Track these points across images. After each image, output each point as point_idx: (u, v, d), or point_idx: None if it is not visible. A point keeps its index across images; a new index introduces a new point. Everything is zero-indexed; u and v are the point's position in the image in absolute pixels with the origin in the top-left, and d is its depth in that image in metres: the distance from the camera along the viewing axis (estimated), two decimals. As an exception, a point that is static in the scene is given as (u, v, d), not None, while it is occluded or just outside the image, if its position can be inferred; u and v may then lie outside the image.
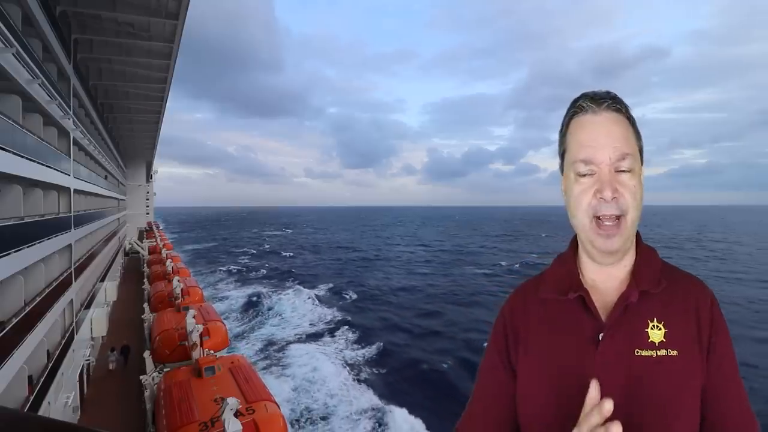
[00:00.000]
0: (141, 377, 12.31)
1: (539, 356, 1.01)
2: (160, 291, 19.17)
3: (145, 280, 25.95)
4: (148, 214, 56.56)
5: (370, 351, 23.88)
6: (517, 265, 51.87)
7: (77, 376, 13.89)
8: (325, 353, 23.10)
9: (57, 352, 11.75)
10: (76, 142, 16.47)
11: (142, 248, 38.46)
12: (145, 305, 19.95)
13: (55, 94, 12.46)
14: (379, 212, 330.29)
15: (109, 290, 23.21)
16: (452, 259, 59.85)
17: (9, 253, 8.23)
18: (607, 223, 0.93)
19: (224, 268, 50.67)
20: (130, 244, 44.85)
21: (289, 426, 9.78)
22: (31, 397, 9.41)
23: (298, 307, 32.90)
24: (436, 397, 18.38)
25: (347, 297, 36.89)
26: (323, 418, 16.55)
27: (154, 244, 34.95)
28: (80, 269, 15.55)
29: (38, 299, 10.28)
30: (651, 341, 0.91)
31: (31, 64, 9.94)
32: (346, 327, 27.96)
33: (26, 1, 10.16)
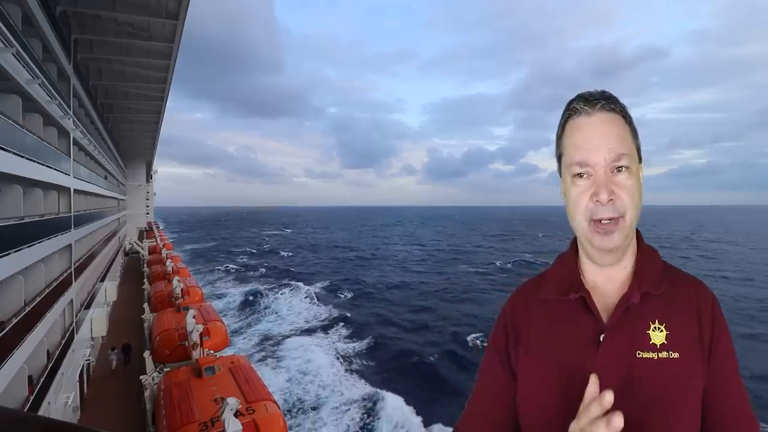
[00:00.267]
0: (141, 377, 12.30)
1: (540, 356, 1.01)
2: (160, 291, 19.18)
3: (145, 280, 25.94)
4: (148, 214, 56.54)
5: (362, 344, 24.84)
6: (510, 264, 52.51)
7: (77, 376, 13.88)
8: (320, 346, 23.89)
9: (57, 352, 11.73)
10: (76, 142, 16.46)
11: (142, 248, 38.45)
12: (145, 305, 19.95)
13: (55, 94, 12.45)
14: (379, 212, 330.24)
15: (109, 290, 23.21)
16: (448, 258, 60.29)
17: (9, 253, 8.23)
18: (605, 222, 0.93)
19: (222, 267, 50.87)
20: (130, 244, 44.81)
21: (288, 426, 9.78)
22: (31, 397, 9.40)
23: (295, 305, 33.62)
24: (423, 385, 19.42)
25: (343, 294, 37.59)
26: (314, 408, 17.21)
27: (154, 244, 34.97)
28: (80, 269, 15.54)
29: (38, 299, 10.27)
30: (652, 343, 0.91)
31: (31, 64, 9.93)
32: (341, 322, 28.69)
33: (26, 1, 10.15)
